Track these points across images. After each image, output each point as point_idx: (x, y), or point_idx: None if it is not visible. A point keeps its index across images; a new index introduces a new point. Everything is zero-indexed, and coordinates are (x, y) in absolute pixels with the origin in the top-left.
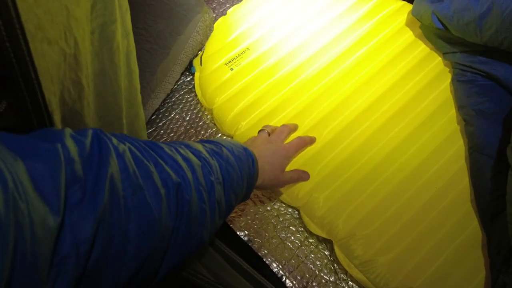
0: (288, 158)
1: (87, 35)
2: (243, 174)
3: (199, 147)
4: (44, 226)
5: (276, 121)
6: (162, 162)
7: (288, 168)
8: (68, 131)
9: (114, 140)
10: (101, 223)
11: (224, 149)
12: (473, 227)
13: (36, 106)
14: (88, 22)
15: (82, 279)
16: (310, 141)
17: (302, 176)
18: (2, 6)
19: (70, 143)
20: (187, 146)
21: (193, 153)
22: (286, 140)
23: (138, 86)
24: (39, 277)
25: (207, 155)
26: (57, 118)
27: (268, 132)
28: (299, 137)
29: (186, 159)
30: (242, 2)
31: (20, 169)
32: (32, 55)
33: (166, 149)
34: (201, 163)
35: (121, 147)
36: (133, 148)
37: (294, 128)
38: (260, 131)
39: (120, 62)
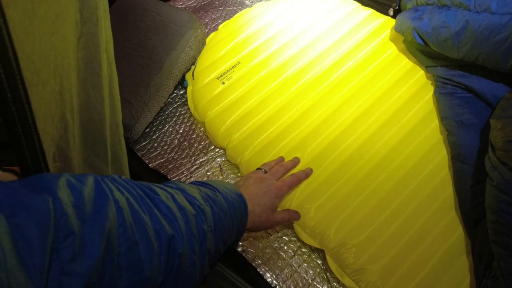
0: (280, 197)
1: (72, 69)
2: (234, 221)
3: (195, 192)
4: None
5: (267, 134)
6: (157, 212)
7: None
8: (64, 178)
9: (116, 192)
10: (90, 286)
11: (218, 194)
12: (458, 234)
13: (32, 149)
14: (74, 55)
15: None
16: (305, 176)
17: (293, 216)
18: (4, 59)
19: (63, 194)
20: (183, 191)
21: (188, 201)
22: (283, 177)
23: (120, 112)
24: None
25: (201, 201)
26: (49, 157)
27: (264, 171)
28: (292, 175)
29: (181, 208)
30: (233, 18)
31: (1, 230)
32: (30, 101)
33: (163, 196)
34: (195, 212)
35: (121, 199)
36: (131, 199)
37: (292, 166)
38: (257, 169)
39: (105, 92)
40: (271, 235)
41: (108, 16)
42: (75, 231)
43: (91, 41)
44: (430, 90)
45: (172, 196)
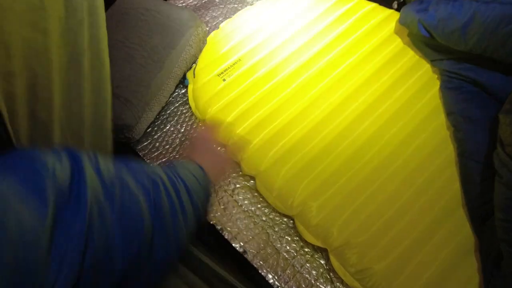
0: (213, 138)
1: (54, 65)
2: (200, 181)
3: (156, 166)
4: (34, 230)
5: (268, 130)
6: (133, 172)
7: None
8: (38, 150)
9: (85, 154)
10: (91, 223)
11: (177, 163)
12: (465, 232)
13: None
14: (56, 51)
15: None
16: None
17: (232, 150)
18: None
19: (48, 157)
20: (147, 165)
21: (155, 169)
22: None
23: (109, 113)
24: (36, 280)
25: (166, 169)
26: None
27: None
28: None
29: (151, 171)
30: (234, 16)
31: (11, 191)
32: None
33: (133, 163)
34: (164, 174)
35: (91, 155)
36: (102, 157)
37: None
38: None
39: (86, 92)
40: (273, 235)
41: (103, 13)
42: (64, 187)
43: (73, 38)
44: (435, 85)
45: (140, 164)
